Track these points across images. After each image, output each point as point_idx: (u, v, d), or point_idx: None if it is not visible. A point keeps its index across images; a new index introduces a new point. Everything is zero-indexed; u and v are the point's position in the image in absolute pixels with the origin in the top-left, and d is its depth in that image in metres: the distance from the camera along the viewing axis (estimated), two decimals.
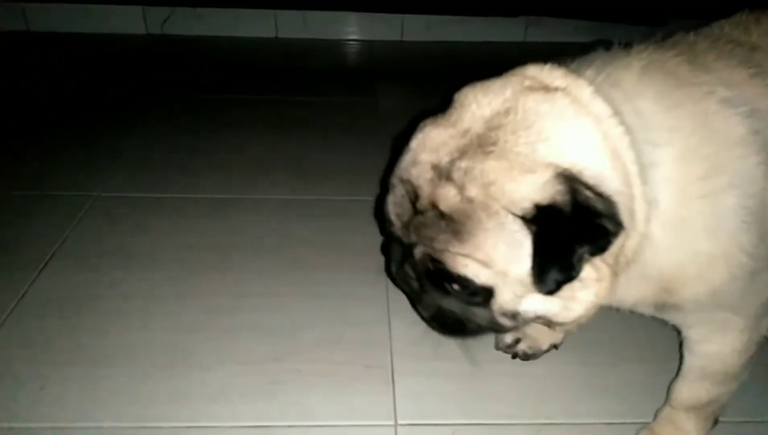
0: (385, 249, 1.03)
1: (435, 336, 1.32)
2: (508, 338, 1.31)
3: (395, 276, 0.98)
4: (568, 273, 0.81)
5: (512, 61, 0.92)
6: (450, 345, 1.32)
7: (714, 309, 0.95)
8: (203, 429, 1.14)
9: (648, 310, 0.97)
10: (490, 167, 0.80)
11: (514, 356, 1.31)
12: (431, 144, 0.87)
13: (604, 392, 1.24)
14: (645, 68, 0.89)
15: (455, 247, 0.83)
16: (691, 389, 1.08)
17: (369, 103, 2.53)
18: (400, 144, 0.92)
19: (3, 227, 1.68)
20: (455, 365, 1.29)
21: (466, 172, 0.81)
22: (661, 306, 0.94)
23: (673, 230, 0.85)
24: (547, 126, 0.81)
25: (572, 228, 0.79)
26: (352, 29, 3.26)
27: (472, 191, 0.81)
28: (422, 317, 0.99)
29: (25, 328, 1.35)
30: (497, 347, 1.33)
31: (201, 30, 3.15)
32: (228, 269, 1.55)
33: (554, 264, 0.80)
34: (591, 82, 0.85)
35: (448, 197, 0.83)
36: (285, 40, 3.21)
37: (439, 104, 0.92)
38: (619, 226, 0.80)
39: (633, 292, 0.92)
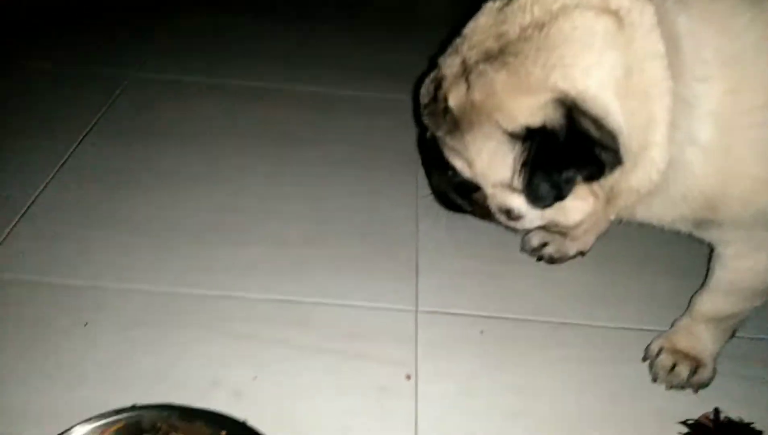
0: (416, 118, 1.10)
1: (461, 236, 1.37)
2: (535, 241, 1.33)
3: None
4: (556, 191, 0.83)
5: None
6: (475, 245, 1.36)
7: (754, 227, 0.94)
8: (233, 299, 1.19)
9: (686, 227, 0.97)
10: (500, 78, 0.82)
11: (539, 259, 1.33)
12: (474, 37, 0.88)
13: (624, 300, 1.26)
14: None
15: (449, 141, 0.90)
16: (715, 301, 1.09)
17: (409, 4, 2.46)
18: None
19: (42, 99, 1.70)
20: (479, 263, 1.31)
21: (480, 74, 0.84)
22: (701, 223, 0.94)
23: (716, 158, 0.85)
24: (570, 53, 0.80)
25: (564, 151, 0.81)
26: None
27: (477, 95, 0.84)
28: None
29: (65, 194, 1.40)
30: (523, 249, 1.35)
31: None
32: (260, 156, 1.56)
33: (541, 179, 0.83)
34: (658, 9, 0.81)
35: (457, 94, 0.87)
36: None
37: None
38: (616, 159, 0.81)
39: (673, 211, 0.92)
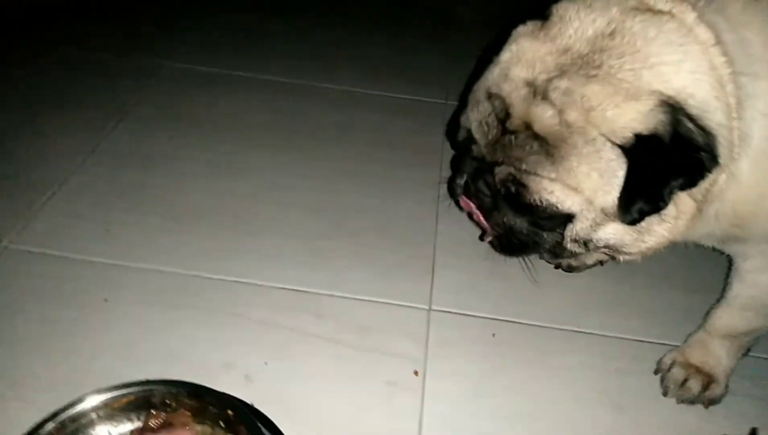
0: (455, 162, 1.01)
1: (483, 243, 1.37)
2: None
3: (462, 189, 0.95)
4: (656, 204, 0.79)
5: None
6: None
7: None
8: (250, 285, 1.21)
9: (710, 243, 0.96)
10: (593, 92, 0.77)
11: (557, 267, 1.32)
12: (526, 58, 0.83)
13: (640, 312, 1.25)
14: None
15: (545, 171, 0.81)
16: (732, 317, 1.07)
17: (446, 6, 2.47)
18: (486, 56, 0.90)
19: (77, 85, 1.75)
20: (496, 266, 1.31)
21: (565, 93, 0.78)
22: (727, 239, 0.93)
23: (759, 165, 0.82)
24: (654, 52, 0.77)
25: (669, 160, 0.77)
26: None
27: (572, 115, 0.78)
28: (483, 233, 0.99)
29: (96, 177, 1.44)
30: (541, 256, 1.34)
31: None
32: (287, 150, 1.59)
33: (644, 194, 0.78)
34: (694, 8, 0.80)
35: (545, 118, 0.80)
36: None
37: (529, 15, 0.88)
38: (715, 161, 0.77)
39: (702, 229, 0.90)
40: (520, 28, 0.87)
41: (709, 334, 1.11)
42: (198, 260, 1.25)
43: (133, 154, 1.51)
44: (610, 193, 0.79)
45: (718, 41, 0.78)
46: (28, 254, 1.22)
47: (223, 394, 0.88)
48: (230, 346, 1.09)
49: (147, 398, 0.88)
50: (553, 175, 0.80)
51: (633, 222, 0.80)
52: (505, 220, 0.91)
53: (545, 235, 0.89)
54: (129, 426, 0.87)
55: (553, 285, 1.29)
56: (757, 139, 0.81)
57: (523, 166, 0.82)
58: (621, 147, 0.77)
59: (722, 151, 0.78)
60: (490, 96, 0.85)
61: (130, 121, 1.62)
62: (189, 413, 0.86)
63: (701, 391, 1.08)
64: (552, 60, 0.81)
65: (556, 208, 0.82)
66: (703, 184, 0.79)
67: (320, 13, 2.28)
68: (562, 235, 0.87)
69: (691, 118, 0.76)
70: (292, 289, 1.22)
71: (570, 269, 1.32)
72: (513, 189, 0.85)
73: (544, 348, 1.16)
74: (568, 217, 0.83)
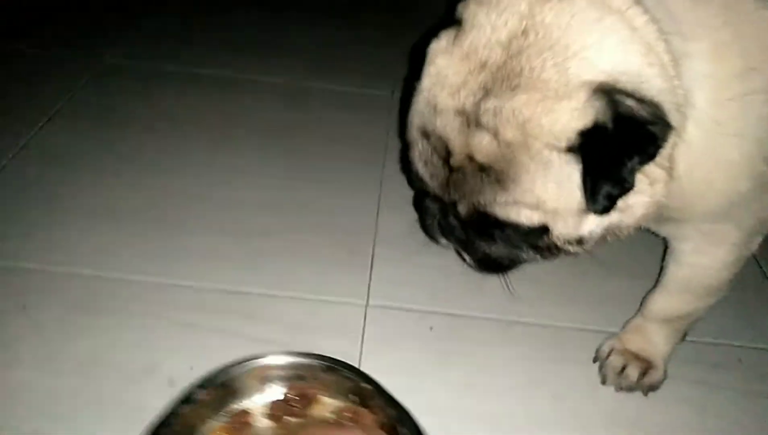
0: (418, 203, 0.97)
1: (422, 233, 1.35)
2: None
3: (434, 231, 0.94)
4: (621, 187, 0.75)
5: None
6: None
7: (717, 221, 0.92)
8: (181, 287, 1.17)
9: (648, 224, 0.93)
10: (521, 103, 0.73)
11: None
12: (449, 83, 0.78)
13: (577, 300, 1.23)
14: None
15: (502, 197, 0.77)
16: (669, 300, 1.06)
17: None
18: (416, 56, 0.85)
19: (13, 81, 1.69)
20: (435, 259, 1.28)
21: (495, 113, 0.74)
22: (666, 219, 0.91)
23: (708, 134, 0.79)
24: (572, 39, 0.73)
25: (619, 142, 0.73)
26: None
27: (508, 134, 0.74)
28: (465, 261, 0.96)
29: (20, 177, 1.38)
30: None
31: None
32: (227, 147, 1.54)
33: (606, 182, 0.75)
34: None
35: (483, 145, 0.76)
36: None
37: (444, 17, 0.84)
38: (667, 127, 0.73)
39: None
40: (434, 45, 0.82)
41: (646, 319, 1.10)
42: (126, 262, 1.20)
43: (62, 153, 1.46)
44: (573, 196, 0.76)
45: (635, 1, 0.75)
46: None
47: (359, 370, 0.88)
48: (154, 350, 1.05)
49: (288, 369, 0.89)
50: (512, 199, 0.77)
51: (606, 209, 0.77)
52: (484, 250, 0.89)
53: (528, 251, 0.87)
54: (265, 397, 0.87)
55: (487, 276, 1.27)
56: (702, 103, 0.77)
57: (481, 199, 0.79)
58: (568, 149, 0.73)
59: (672, 115, 0.74)
60: (426, 135, 0.81)
61: (61, 119, 1.57)
62: (323, 387, 0.87)
63: (640, 377, 1.06)
64: (474, 80, 0.76)
65: (526, 226, 0.79)
66: (665, 151, 0.76)
67: (269, 6, 2.23)
68: (550, 244, 0.84)
69: (628, 95, 0.72)
70: (224, 290, 1.17)
71: None
72: (480, 221, 0.82)
73: (481, 339, 1.14)
74: (544, 229, 0.80)
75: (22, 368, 1.01)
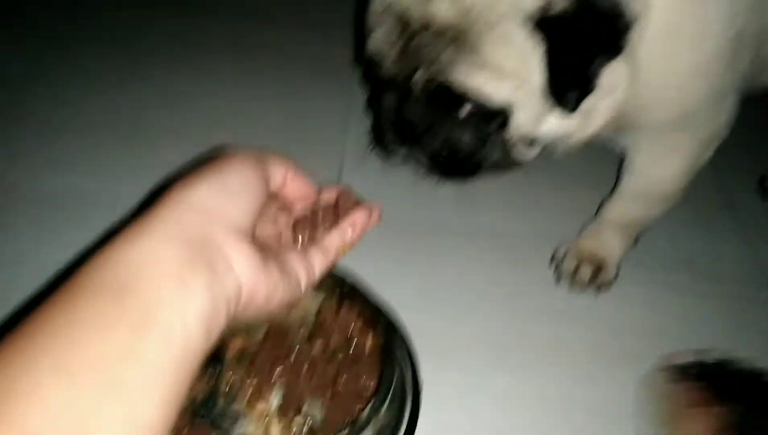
0: (373, 102, 0.94)
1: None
2: None
3: (388, 135, 0.89)
4: (587, 86, 0.75)
5: None
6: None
7: (673, 130, 0.95)
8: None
9: (607, 134, 0.95)
10: None
11: None
12: None
13: (534, 210, 1.28)
14: None
15: (462, 61, 0.76)
16: (624, 207, 1.12)
17: None
18: None
19: None
20: (401, 174, 1.30)
21: None
22: (621, 127, 0.93)
23: (665, 38, 0.80)
24: None
25: (581, 35, 0.73)
26: None
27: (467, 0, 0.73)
28: (421, 166, 0.92)
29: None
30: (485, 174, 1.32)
31: None
32: (192, 60, 1.52)
33: (570, 80, 0.75)
34: None
35: (442, 12, 0.75)
36: None
37: None
38: (631, 19, 0.73)
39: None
40: None
41: (601, 224, 1.15)
42: (90, 173, 1.20)
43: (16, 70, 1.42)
44: (534, 74, 0.76)
45: None
46: None
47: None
48: None
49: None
50: (476, 62, 0.76)
51: (573, 109, 0.78)
52: (442, 136, 0.85)
53: (488, 144, 0.85)
54: None
55: (447, 188, 1.29)
56: (660, 3, 0.77)
57: (439, 65, 0.77)
58: (531, 21, 0.74)
59: (632, 8, 0.74)
60: (383, 12, 0.81)
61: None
62: None
63: (592, 277, 1.12)
64: None
65: (490, 99, 0.78)
66: (631, 43, 0.76)
67: None
68: (506, 138, 0.83)
69: None
70: None
71: None
72: (437, 90, 0.80)
73: (439, 247, 1.18)
74: (506, 115, 0.80)
75: None
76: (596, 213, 1.18)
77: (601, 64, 0.76)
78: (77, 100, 1.36)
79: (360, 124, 1.39)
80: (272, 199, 0.63)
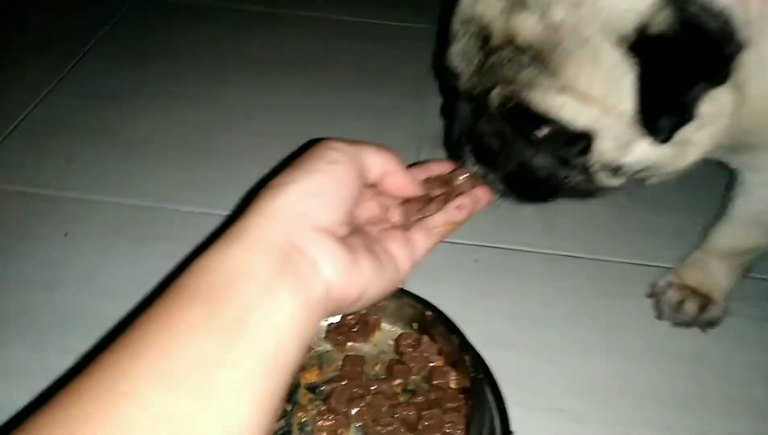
0: (446, 112, 0.88)
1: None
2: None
3: (461, 138, 0.81)
4: (682, 116, 0.66)
5: None
6: None
7: None
8: (216, 216, 1.15)
9: (717, 154, 0.84)
10: None
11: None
12: None
13: (631, 235, 1.17)
14: None
15: (542, 82, 0.68)
16: (734, 234, 1.00)
17: None
18: None
19: (48, 13, 1.68)
20: None
21: None
22: (735, 148, 0.83)
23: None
24: None
25: (684, 58, 0.64)
26: None
27: (557, 15, 0.66)
28: (495, 184, 0.82)
29: (58, 109, 1.37)
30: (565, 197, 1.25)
31: None
32: (259, 81, 1.50)
33: (665, 107, 0.66)
34: None
35: (527, 27, 0.68)
36: None
37: None
38: (738, 46, 0.64)
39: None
40: None
41: (707, 253, 1.04)
42: (164, 192, 1.19)
43: (98, 88, 1.43)
44: (623, 101, 0.67)
45: None
46: None
47: (421, 298, 0.84)
48: None
49: None
50: (553, 87, 0.68)
51: (666, 139, 0.69)
52: (518, 160, 0.77)
53: (567, 169, 0.76)
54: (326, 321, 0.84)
55: (537, 209, 1.21)
56: None
57: (519, 85, 0.70)
58: (622, 45, 0.65)
59: (742, 30, 0.65)
60: (465, 22, 0.74)
61: (96, 54, 1.54)
62: (384, 313, 0.85)
63: (698, 312, 1.01)
64: None
65: (571, 124, 0.69)
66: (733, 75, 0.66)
67: None
68: (588, 165, 0.74)
69: (696, 2, 0.63)
70: None
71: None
72: (514, 109, 0.72)
73: (527, 272, 1.09)
74: (588, 140, 0.71)
75: (61, 290, 1.01)
76: (700, 239, 1.07)
77: (702, 92, 0.67)
78: (164, 119, 1.37)
79: (434, 141, 1.34)
80: (371, 188, 0.63)
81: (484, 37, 0.72)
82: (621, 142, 0.70)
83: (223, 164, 1.26)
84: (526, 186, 0.80)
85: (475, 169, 0.81)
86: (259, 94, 1.46)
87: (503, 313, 1.02)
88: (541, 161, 0.76)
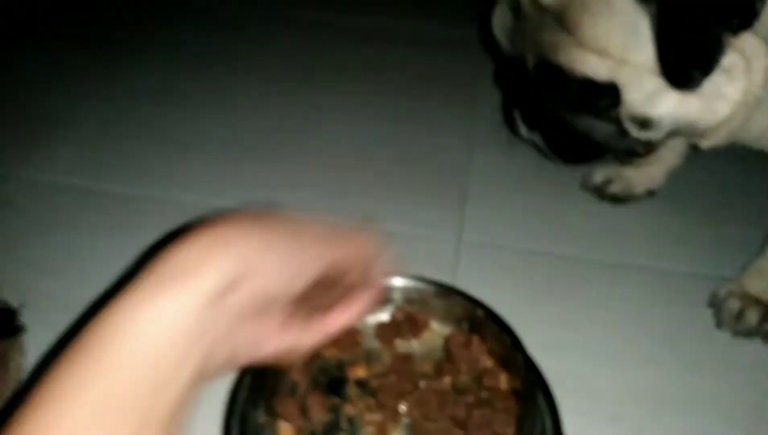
0: (500, 82, 0.94)
1: (517, 170, 1.28)
2: (599, 178, 1.21)
3: (511, 105, 0.88)
4: (705, 63, 0.65)
5: None
6: (532, 180, 1.26)
7: None
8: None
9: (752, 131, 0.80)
10: None
11: (602, 198, 1.21)
12: None
13: (690, 245, 1.13)
14: None
15: (565, 41, 0.71)
16: None
17: None
18: None
19: (101, 18, 1.74)
20: (533, 198, 1.22)
21: None
22: None
23: None
24: None
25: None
26: None
27: None
28: (539, 145, 0.90)
29: (113, 109, 1.42)
30: (584, 187, 1.24)
31: None
32: (309, 84, 1.53)
33: (683, 52, 0.65)
34: None
35: None
36: None
37: None
38: None
39: (763, 117, 0.76)
40: None
41: None
42: (216, 189, 1.22)
43: (150, 88, 1.49)
44: (642, 49, 0.67)
45: None
46: (44, 184, 1.21)
47: (471, 296, 0.83)
48: None
49: (398, 292, 0.84)
50: (574, 44, 0.70)
51: (692, 87, 0.68)
52: (555, 116, 0.82)
53: (601, 124, 0.80)
54: (374, 318, 0.83)
55: (593, 216, 1.19)
56: None
57: (545, 47, 0.74)
58: None
59: None
60: None
61: (150, 56, 1.60)
62: (433, 312, 0.83)
63: (760, 322, 0.96)
64: None
65: (593, 78, 0.71)
66: (764, 18, 0.64)
67: None
68: (619, 118, 0.76)
69: None
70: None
71: (616, 200, 1.21)
72: (548, 74, 0.76)
73: (583, 280, 1.07)
74: (616, 91, 0.72)
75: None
76: (763, 247, 1.02)
77: (721, 35, 0.64)
78: (204, 117, 1.40)
79: (484, 145, 1.33)
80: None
81: (516, 5, 0.76)
82: (647, 92, 0.71)
83: (273, 164, 1.29)
84: (568, 145, 0.86)
85: (524, 132, 0.88)
86: (306, 98, 1.48)
87: (559, 320, 1.00)
88: (577, 117, 0.80)
